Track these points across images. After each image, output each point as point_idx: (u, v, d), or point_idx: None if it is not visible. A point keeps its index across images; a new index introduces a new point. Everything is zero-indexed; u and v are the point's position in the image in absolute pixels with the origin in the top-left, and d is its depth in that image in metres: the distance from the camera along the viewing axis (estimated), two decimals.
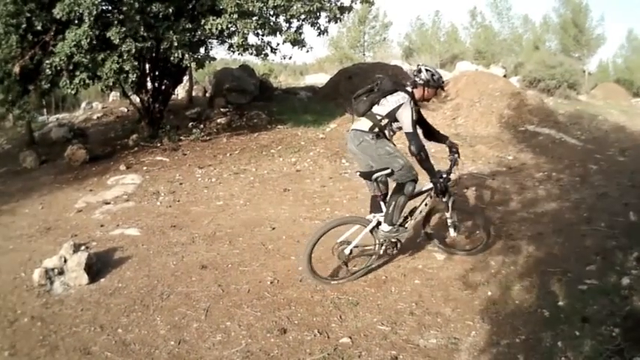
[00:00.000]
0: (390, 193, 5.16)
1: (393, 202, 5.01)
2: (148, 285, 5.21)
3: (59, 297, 5.01)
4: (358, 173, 5.18)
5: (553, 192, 8.37)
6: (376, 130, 4.91)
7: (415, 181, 5.01)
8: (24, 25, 9.78)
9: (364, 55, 36.74)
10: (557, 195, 8.20)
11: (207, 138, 12.51)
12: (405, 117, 4.84)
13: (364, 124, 4.95)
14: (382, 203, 5.14)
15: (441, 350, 3.99)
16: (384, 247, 5.21)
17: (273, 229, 6.82)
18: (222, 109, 15.43)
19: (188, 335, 4.27)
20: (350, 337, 4.15)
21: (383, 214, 5.10)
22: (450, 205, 5.32)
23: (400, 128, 4.96)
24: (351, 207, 7.60)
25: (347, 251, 5.07)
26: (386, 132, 4.99)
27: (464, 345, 4.05)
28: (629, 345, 3.76)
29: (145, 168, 10.27)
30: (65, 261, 5.28)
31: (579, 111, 18.28)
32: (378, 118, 4.92)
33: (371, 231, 5.16)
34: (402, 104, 4.85)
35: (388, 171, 4.91)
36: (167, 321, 4.50)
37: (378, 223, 5.15)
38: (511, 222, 6.87)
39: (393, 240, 5.20)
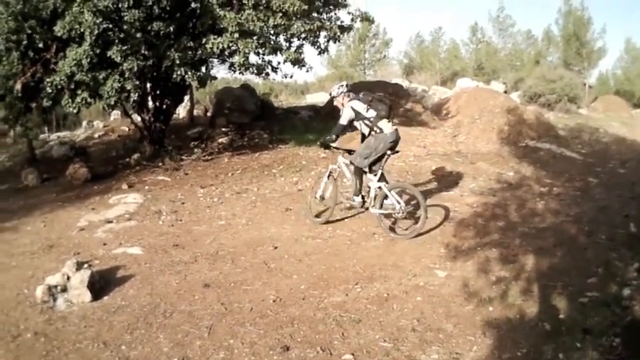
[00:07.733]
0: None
1: None
2: (151, 303, 5.21)
3: (62, 314, 5.02)
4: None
5: (554, 206, 8.40)
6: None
7: None
8: (25, 42, 9.86)
9: (365, 73, 36.79)
10: (557, 209, 8.23)
11: (209, 158, 12.57)
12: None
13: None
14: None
15: None
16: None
17: (276, 248, 6.83)
18: (223, 129, 15.53)
19: (191, 353, 4.26)
20: (352, 354, 4.15)
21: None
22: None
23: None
24: (352, 225, 7.63)
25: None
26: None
27: None
28: (630, 355, 3.78)
29: (146, 187, 10.30)
30: (68, 278, 5.29)
31: (580, 124, 18.37)
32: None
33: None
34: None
35: None
36: (170, 338, 4.50)
37: None
38: (512, 237, 6.87)
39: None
